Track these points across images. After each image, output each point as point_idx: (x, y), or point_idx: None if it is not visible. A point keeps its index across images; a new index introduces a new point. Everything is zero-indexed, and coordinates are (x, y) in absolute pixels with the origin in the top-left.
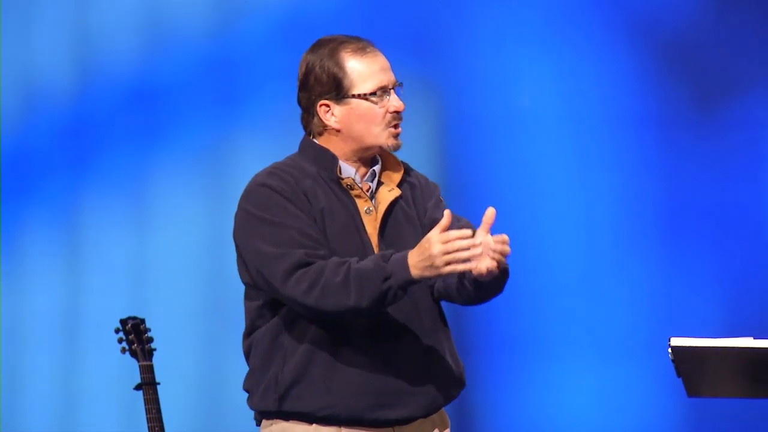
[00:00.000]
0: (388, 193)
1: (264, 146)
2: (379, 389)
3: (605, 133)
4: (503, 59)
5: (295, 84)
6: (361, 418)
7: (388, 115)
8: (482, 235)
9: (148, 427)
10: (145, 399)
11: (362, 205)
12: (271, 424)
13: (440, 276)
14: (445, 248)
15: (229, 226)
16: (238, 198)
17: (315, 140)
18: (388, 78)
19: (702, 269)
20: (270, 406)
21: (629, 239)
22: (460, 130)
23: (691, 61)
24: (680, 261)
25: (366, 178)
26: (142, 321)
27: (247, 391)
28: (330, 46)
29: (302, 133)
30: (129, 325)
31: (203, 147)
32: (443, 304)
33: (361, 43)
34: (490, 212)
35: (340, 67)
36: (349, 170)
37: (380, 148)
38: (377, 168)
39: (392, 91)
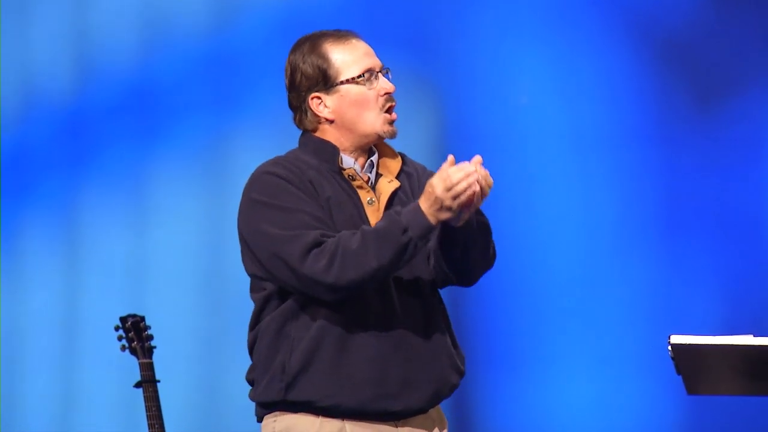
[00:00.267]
0: (389, 185)
1: (262, 144)
2: (385, 378)
3: (604, 132)
4: (502, 58)
5: None
6: (365, 410)
7: (380, 99)
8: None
9: (148, 424)
10: (145, 396)
11: (364, 195)
12: (274, 419)
13: (455, 216)
14: (447, 185)
15: (228, 223)
16: (238, 196)
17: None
18: (373, 62)
19: (701, 267)
20: (275, 396)
21: (628, 237)
22: (458, 128)
23: (690, 59)
24: (680, 258)
25: (365, 168)
26: (142, 318)
27: (250, 382)
28: (310, 41)
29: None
30: (129, 323)
31: (202, 145)
32: (444, 302)
33: (341, 33)
34: (476, 158)
35: (324, 58)
36: (349, 161)
37: (377, 136)
38: (374, 158)
39: (380, 74)
